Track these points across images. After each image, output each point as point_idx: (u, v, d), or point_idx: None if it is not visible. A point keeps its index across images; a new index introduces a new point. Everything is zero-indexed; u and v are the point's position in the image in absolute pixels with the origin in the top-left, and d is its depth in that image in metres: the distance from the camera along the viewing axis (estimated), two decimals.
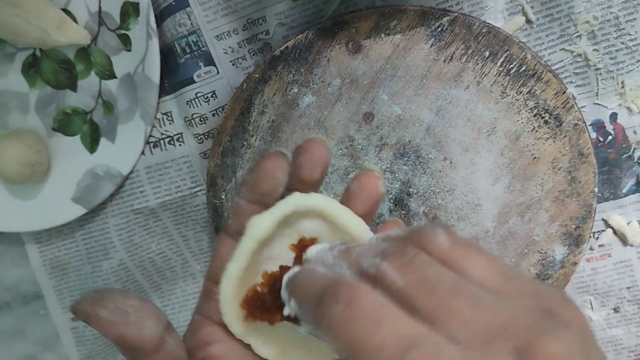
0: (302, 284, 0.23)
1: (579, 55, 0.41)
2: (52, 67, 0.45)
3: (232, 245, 0.27)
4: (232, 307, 0.27)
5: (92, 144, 0.46)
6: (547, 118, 0.40)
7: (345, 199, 0.28)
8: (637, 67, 0.41)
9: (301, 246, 0.27)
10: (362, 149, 0.42)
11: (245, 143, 0.43)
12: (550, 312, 0.19)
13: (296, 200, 0.26)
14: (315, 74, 0.41)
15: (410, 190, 0.42)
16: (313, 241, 0.27)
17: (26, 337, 0.53)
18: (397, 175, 0.42)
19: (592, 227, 0.42)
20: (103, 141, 0.46)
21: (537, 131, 0.40)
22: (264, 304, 0.26)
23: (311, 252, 0.25)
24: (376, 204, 0.28)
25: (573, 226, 0.41)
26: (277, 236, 0.27)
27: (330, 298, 0.19)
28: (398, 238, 0.22)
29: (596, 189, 0.41)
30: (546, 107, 0.40)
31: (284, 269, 0.26)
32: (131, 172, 0.47)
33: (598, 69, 0.41)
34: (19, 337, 0.53)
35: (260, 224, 0.26)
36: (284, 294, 0.24)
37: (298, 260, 0.26)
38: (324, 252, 0.24)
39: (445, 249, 0.20)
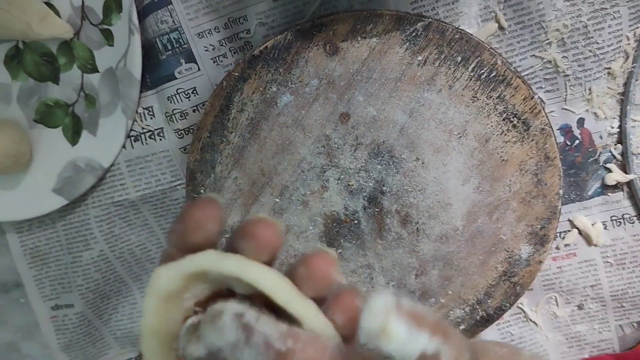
0: None
1: (549, 61, 0.43)
2: (35, 60, 0.46)
3: None
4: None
5: (73, 136, 0.47)
6: (515, 122, 0.41)
7: (292, 280, 0.23)
8: (604, 74, 0.43)
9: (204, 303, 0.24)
10: (338, 147, 0.43)
11: (224, 139, 0.44)
12: None
13: (204, 261, 0.22)
14: (293, 74, 0.42)
15: (384, 188, 0.43)
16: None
17: (6, 324, 0.54)
18: (371, 174, 0.43)
19: (557, 227, 0.43)
20: (84, 134, 0.47)
21: (505, 135, 0.41)
22: None
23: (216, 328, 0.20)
24: (328, 290, 0.23)
25: (539, 226, 0.43)
26: (201, 282, 0.24)
27: None
28: None
29: (561, 191, 0.42)
30: (515, 112, 0.41)
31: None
32: (112, 164, 0.47)
33: (567, 75, 0.43)
34: None
35: (160, 278, 0.23)
36: None
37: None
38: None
39: None
